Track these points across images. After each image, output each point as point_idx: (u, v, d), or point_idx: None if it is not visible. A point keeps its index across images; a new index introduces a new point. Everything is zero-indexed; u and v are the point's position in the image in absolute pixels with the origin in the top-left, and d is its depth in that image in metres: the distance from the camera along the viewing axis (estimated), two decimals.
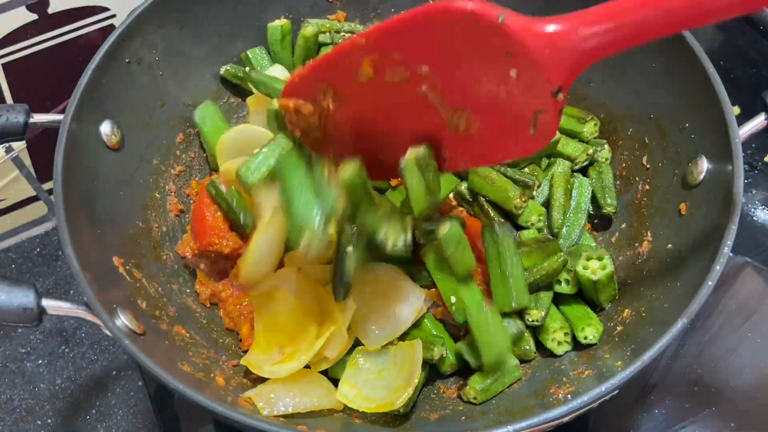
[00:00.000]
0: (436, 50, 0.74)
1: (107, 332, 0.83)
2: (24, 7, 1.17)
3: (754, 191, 1.35)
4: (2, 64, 1.21)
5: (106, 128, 1.02)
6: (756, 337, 1.15)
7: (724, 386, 1.11)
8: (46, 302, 0.83)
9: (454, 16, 0.71)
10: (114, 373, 1.23)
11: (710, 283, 0.82)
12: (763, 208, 1.33)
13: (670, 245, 0.99)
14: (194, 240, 1.07)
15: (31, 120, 0.96)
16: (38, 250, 1.37)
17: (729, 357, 1.14)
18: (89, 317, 0.84)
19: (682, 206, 0.99)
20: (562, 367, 0.99)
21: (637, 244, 1.06)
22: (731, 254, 0.85)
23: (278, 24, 1.23)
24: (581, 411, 0.78)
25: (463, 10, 0.70)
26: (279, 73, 1.20)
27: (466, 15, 0.70)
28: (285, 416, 0.91)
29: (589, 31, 0.67)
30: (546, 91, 0.70)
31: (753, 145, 1.39)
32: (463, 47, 0.72)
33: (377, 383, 0.95)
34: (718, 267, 0.83)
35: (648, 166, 1.09)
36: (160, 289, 1.03)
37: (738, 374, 1.12)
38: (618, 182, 1.14)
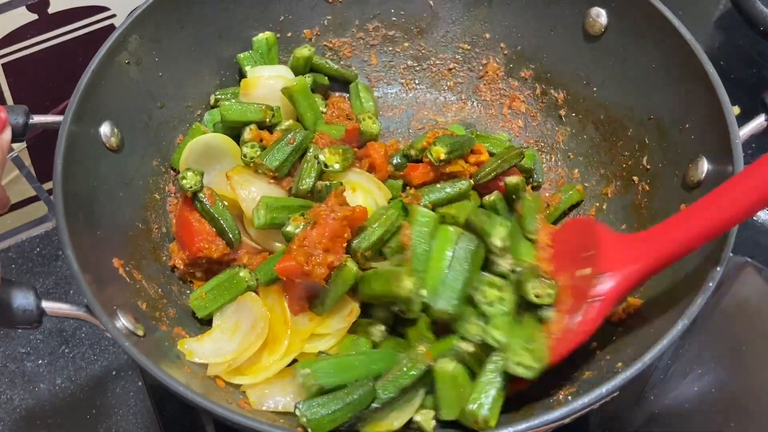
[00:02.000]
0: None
1: (108, 334, 0.83)
2: (24, 7, 1.17)
3: None
4: (2, 64, 1.21)
5: (105, 129, 1.02)
6: (756, 337, 1.15)
7: (725, 386, 1.11)
8: (46, 304, 0.83)
9: (579, 222, 1.12)
10: (114, 373, 1.23)
11: (711, 284, 0.82)
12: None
13: None
14: (182, 249, 1.06)
15: (31, 121, 0.96)
16: (38, 250, 1.37)
17: (729, 357, 1.14)
18: (89, 319, 0.84)
19: (683, 207, 0.99)
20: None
21: None
22: (731, 254, 0.85)
23: (263, 37, 1.23)
24: (582, 412, 0.78)
25: (584, 219, 1.15)
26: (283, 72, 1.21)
27: (583, 221, 1.12)
28: (283, 413, 0.92)
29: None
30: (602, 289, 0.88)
31: (753, 145, 1.39)
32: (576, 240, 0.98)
33: None
34: (718, 268, 0.83)
35: (648, 166, 1.09)
36: (159, 290, 1.03)
37: (738, 374, 1.12)
38: (618, 183, 1.14)
